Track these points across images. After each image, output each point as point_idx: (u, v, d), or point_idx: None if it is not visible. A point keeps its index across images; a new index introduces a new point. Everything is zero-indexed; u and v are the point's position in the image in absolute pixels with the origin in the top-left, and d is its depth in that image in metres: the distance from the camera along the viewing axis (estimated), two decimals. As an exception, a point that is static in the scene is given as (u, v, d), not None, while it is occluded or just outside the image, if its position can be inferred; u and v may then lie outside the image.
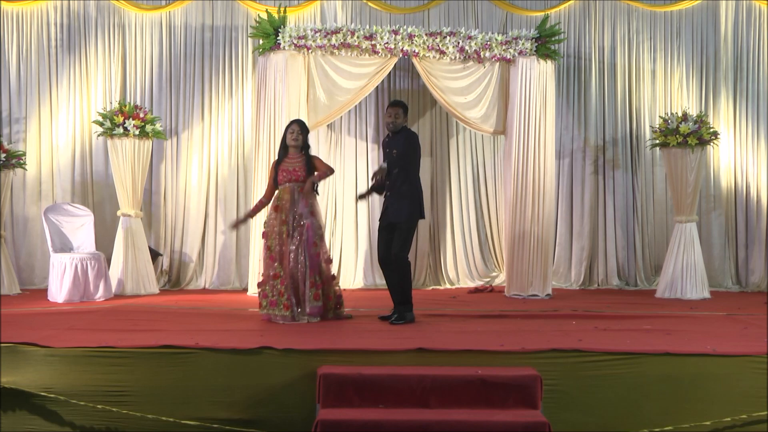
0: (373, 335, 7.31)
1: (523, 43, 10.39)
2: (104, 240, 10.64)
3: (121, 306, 9.17)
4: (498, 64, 10.53)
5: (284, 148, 8.32)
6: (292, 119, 8.74)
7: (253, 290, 10.22)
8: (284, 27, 10.26)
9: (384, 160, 8.21)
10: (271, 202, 8.31)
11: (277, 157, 8.41)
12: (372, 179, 8.38)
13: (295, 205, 8.15)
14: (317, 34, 10.22)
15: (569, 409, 6.30)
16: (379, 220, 8.35)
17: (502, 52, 10.40)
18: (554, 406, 6.22)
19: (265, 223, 8.32)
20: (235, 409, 6.29)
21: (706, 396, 6.34)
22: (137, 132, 10.26)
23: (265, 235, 8.23)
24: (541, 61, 10.47)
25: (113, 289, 10.10)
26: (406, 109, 8.29)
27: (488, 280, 11.61)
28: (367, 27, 10.40)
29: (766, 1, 11.59)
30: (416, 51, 10.31)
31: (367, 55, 10.34)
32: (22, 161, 10.40)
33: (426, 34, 10.34)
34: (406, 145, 8.09)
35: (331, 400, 6.04)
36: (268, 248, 8.16)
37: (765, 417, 6.26)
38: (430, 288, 11.38)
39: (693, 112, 11.08)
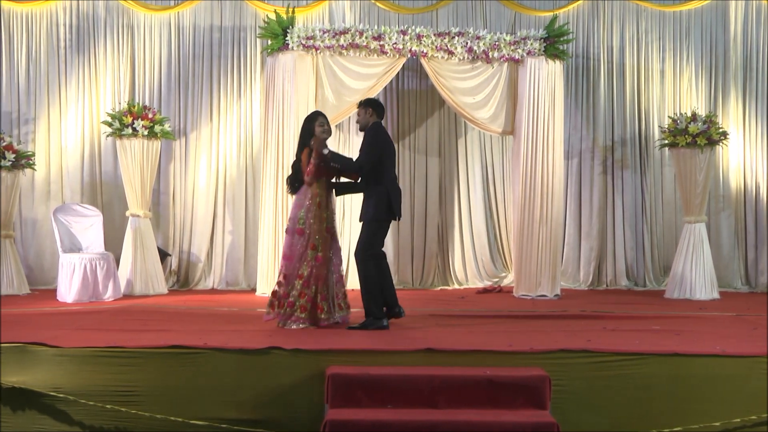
0: (381, 335, 7.29)
1: (531, 44, 10.37)
2: (113, 240, 10.65)
3: (130, 306, 9.19)
4: (506, 64, 10.51)
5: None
6: (314, 111, 8.33)
7: (262, 290, 10.22)
8: (293, 27, 10.26)
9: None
10: (310, 198, 7.79)
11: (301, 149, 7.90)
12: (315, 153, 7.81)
13: (331, 204, 7.95)
14: (326, 35, 10.22)
15: (578, 409, 6.29)
16: None
17: (511, 53, 10.39)
18: (563, 406, 6.21)
19: (301, 219, 7.76)
20: (244, 409, 6.29)
21: (715, 397, 6.32)
22: (146, 132, 10.26)
23: (301, 231, 7.74)
24: (550, 62, 10.44)
25: (122, 289, 10.10)
26: (367, 105, 7.89)
27: (497, 280, 11.59)
28: (376, 27, 10.41)
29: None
30: (425, 51, 10.30)
31: (375, 55, 10.34)
32: (31, 162, 10.43)
33: (434, 35, 10.34)
34: (366, 140, 7.83)
35: (339, 401, 6.03)
36: (313, 247, 7.73)
37: (776, 417, 6.23)
38: (439, 288, 11.36)
39: (702, 112, 11.03)
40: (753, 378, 6.36)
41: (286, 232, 7.93)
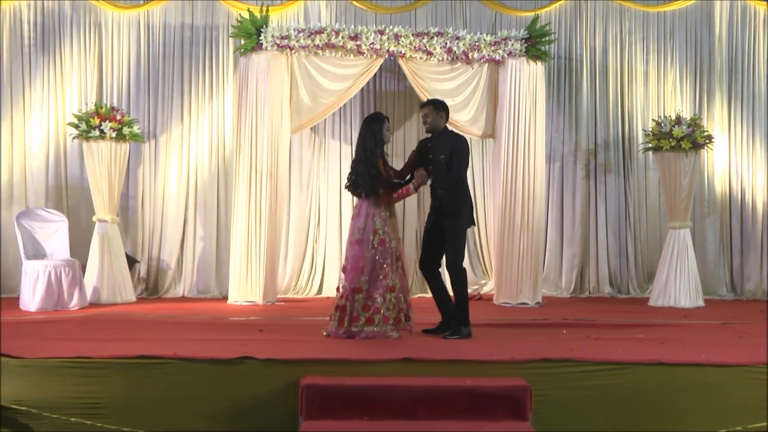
0: (358, 345, 7.19)
1: (512, 44, 10.36)
2: (79, 246, 10.51)
3: (97, 315, 9.13)
4: (487, 65, 10.50)
5: (382, 145, 7.64)
6: (378, 113, 7.98)
7: (234, 298, 10.20)
8: (266, 27, 10.26)
9: (428, 164, 7.78)
10: (383, 206, 7.58)
11: (380, 156, 7.60)
12: (414, 187, 7.76)
13: (394, 210, 7.81)
14: (301, 34, 10.20)
15: (559, 420, 6.23)
16: (427, 223, 8.05)
17: (491, 53, 10.36)
18: (544, 417, 6.16)
19: (379, 230, 7.49)
20: (216, 422, 6.20)
21: (701, 407, 6.29)
22: (114, 134, 10.17)
23: (382, 242, 7.48)
24: (531, 63, 10.44)
25: (88, 297, 10.01)
26: (438, 106, 7.85)
27: (476, 287, 11.53)
28: (352, 27, 10.40)
29: (763, 1, 11.61)
30: (403, 52, 10.28)
31: (352, 55, 10.32)
32: (-6, 164, 10.30)
33: (413, 35, 10.32)
34: (454, 150, 7.75)
35: (314, 412, 5.96)
36: (398, 257, 7.57)
37: (762, 429, 6.19)
38: (417, 296, 11.25)
39: (687, 114, 11.07)
40: (738, 387, 6.34)
41: (357, 243, 7.55)
